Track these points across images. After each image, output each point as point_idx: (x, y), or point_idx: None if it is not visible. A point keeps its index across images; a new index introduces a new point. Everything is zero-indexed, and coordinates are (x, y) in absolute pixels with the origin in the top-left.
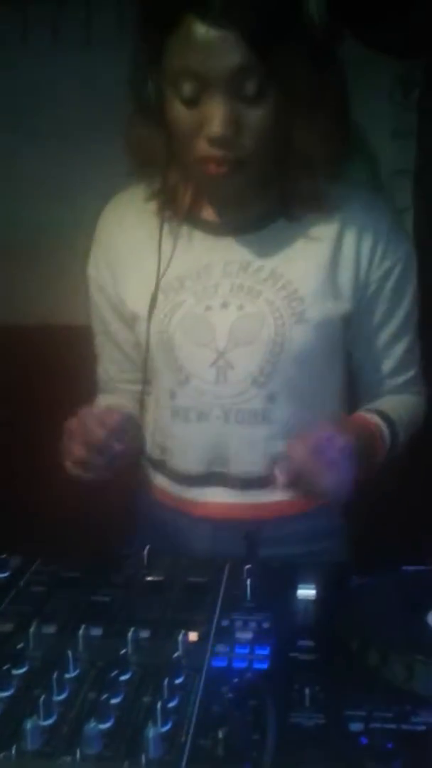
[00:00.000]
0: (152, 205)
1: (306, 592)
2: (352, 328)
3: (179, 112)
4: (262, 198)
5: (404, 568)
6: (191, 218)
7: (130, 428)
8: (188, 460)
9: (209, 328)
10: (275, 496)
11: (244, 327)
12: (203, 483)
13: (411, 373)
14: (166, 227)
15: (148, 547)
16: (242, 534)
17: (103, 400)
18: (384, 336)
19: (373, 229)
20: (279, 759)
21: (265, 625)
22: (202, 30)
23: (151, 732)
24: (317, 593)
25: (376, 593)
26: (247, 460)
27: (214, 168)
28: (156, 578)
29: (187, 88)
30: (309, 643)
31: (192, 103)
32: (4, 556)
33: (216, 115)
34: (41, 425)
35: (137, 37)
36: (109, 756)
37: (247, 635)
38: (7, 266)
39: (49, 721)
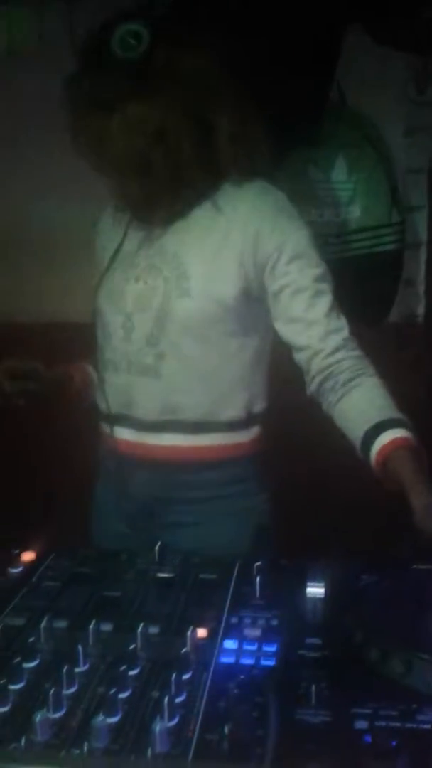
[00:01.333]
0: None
1: (315, 590)
2: (263, 304)
3: None
4: (174, 198)
5: (413, 566)
6: (137, 215)
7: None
8: (108, 403)
9: (122, 297)
10: (166, 441)
11: (143, 297)
12: (116, 422)
13: (343, 334)
14: (123, 226)
15: (159, 543)
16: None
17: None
18: (299, 304)
19: (257, 218)
20: (284, 755)
21: (274, 622)
22: None
23: (158, 726)
24: (326, 591)
25: (384, 592)
26: (144, 407)
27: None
28: (166, 575)
29: None
30: (316, 641)
31: None
32: (17, 551)
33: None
34: (53, 422)
35: None
36: (116, 749)
37: (256, 632)
38: (18, 263)
39: (59, 714)
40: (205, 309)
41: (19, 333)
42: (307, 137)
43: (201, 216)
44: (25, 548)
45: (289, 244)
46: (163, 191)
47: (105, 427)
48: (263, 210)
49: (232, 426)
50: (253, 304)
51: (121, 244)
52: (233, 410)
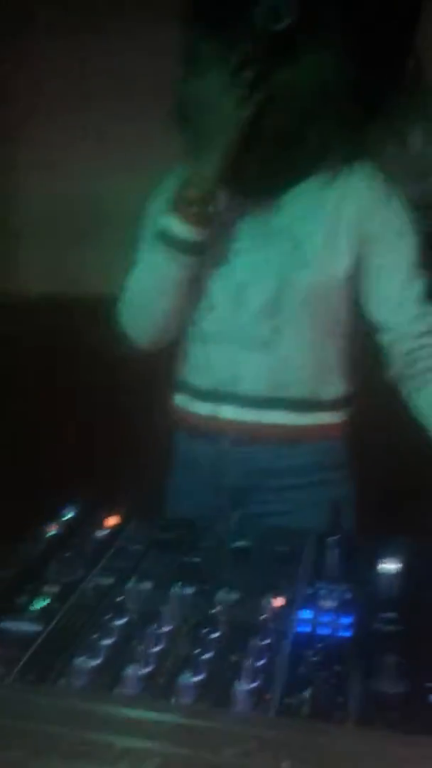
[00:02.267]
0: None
1: (390, 565)
2: (361, 279)
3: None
4: (290, 169)
5: None
6: (242, 187)
7: None
8: (205, 377)
9: (233, 266)
10: (275, 419)
11: (258, 268)
12: (215, 399)
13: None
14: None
15: (237, 514)
16: (254, 458)
17: None
18: (395, 284)
19: (368, 195)
20: (361, 725)
21: (349, 595)
22: None
23: (240, 688)
24: (401, 566)
25: None
26: (252, 382)
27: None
28: (244, 544)
29: None
30: (392, 614)
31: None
32: (103, 514)
33: None
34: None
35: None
36: (201, 707)
37: (331, 604)
38: (65, 238)
39: (147, 670)
40: (323, 281)
41: (79, 305)
42: (387, 109)
43: (313, 188)
44: (109, 513)
45: (396, 223)
46: (281, 162)
47: (193, 404)
48: (374, 187)
49: (333, 405)
50: (354, 279)
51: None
52: (335, 388)
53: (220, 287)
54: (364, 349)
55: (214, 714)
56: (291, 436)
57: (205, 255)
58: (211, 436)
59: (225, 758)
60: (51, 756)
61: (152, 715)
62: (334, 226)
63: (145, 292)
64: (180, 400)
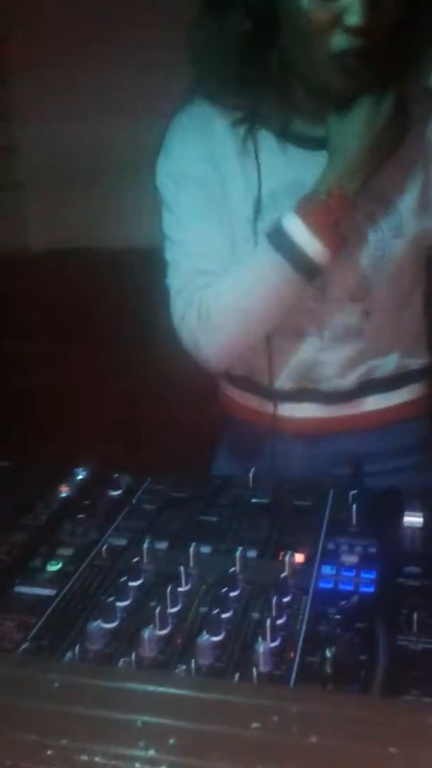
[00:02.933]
0: (229, 119)
1: (413, 519)
2: None
3: (313, 5)
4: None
5: None
6: (280, 131)
7: None
8: (280, 377)
9: None
10: (363, 408)
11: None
12: (293, 399)
13: None
14: (254, 140)
15: (253, 469)
16: (331, 452)
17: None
18: None
19: None
20: (386, 681)
21: (371, 550)
22: None
23: (261, 647)
24: (424, 520)
25: None
26: (337, 375)
27: (353, 60)
28: (261, 500)
29: None
30: (416, 569)
31: None
32: (116, 475)
33: (355, 5)
34: (144, 348)
35: None
36: (220, 667)
37: (353, 559)
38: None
39: (165, 631)
40: (417, 251)
41: (96, 258)
42: None
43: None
44: (123, 472)
45: None
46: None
47: (264, 404)
48: None
49: (421, 375)
50: None
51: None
52: (421, 357)
53: None
54: None
55: (237, 687)
56: (383, 420)
57: None
58: (292, 436)
59: (251, 732)
60: (67, 736)
61: (172, 691)
62: (428, 184)
63: (244, 309)
64: (242, 396)
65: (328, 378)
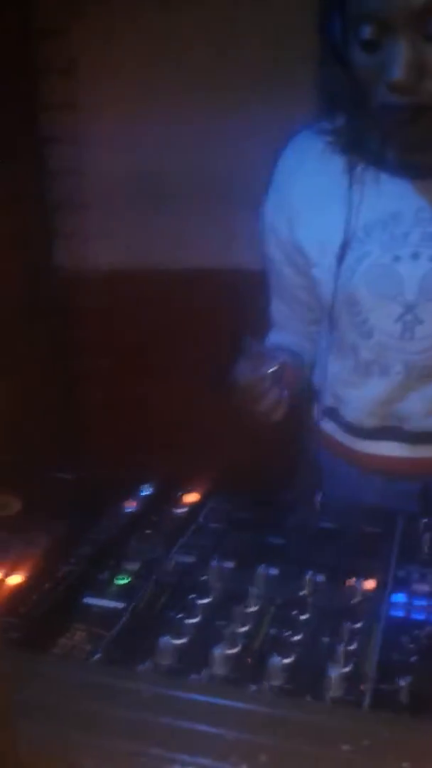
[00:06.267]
0: (335, 149)
1: None
2: None
3: (360, 57)
4: None
5: None
6: (378, 161)
7: (292, 369)
8: (364, 414)
9: (397, 281)
10: None
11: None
12: (377, 436)
13: None
14: (351, 173)
15: (320, 493)
16: (411, 489)
17: (275, 337)
18: None
19: None
20: None
21: None
22: None
23: (333, 671)
24: None
25: None
26: (424, 415)
27: (395, 115)
28: (330, 525)
29: (367, 32)
30: None
31: (372, 47)
32: (181, 493)
33: (396, 59)
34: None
35: None
36: (291, 689)
37: (425, 588)
38: (171, 211)
39: (235, 650)
40: None
41: (183, 280)
42: None
43: None
44: (188, 490)
45: None
46: None
47: (348, 439)
48: None
49: None
50: None
51: (358, 204)
52: None
53: (380, 310)
54: None
55: (327, 708)
56: None
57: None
58: (372, 471)
59: (342, 754)
60: (158, 745)
61: (259, 708)
62: None
63: None
64: (329, 427)
65: (413, 417)
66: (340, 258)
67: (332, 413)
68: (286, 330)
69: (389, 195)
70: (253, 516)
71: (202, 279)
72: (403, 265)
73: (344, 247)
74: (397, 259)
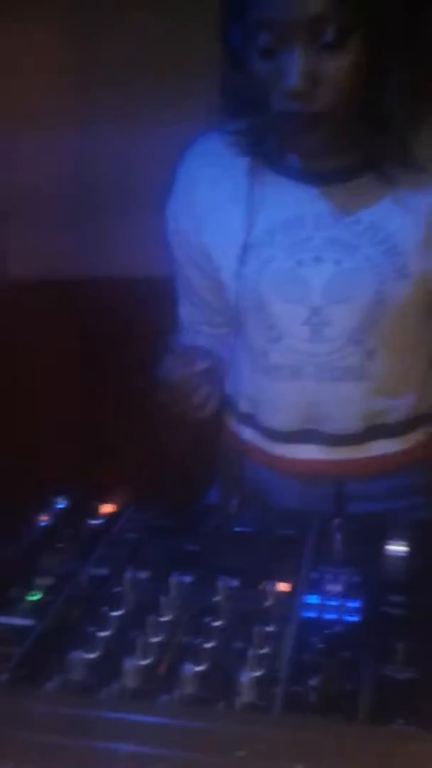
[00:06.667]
0: (237, 154)
1: (397, 548)
2: None
3: (258, 63)
4: (350, 150)
5: None
6: (279, 166)
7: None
8: (280, 417)
9: (302, 284)
10: (368, 452)
11: (342, 283)
12: (294, 440)
13: None
14: (253, 176)
15: (236, 498)
16: (330, 491)
17: (185, 341)
18: None
19: None
20: (371, 710)
21: (355, 579)
22: None
23: (245, 677)
24: (408, 548)
25: None
26: (340, 417)
27: (293, 122)
28: (244, 529)
29: (264, 39)
30: (400, 598)
31: (269, 54)
32: (96, 503)
33: (292, 68)
34: (130, 375)
35: None
36: (204, 697)
37: (337, 588)
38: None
39: (147, 661)
40: (422, 290)
41: (97, 288)
42: None
43: (394, 174)
44: (104, 500)
45: None
46: (361, 134)
47: (266, 443)
48: None
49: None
50: None
51: (258, 209)
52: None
53: (287, 313)
54: None
55: (222, 715)
56: (388, 464)
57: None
58: (291, 474)
59: (235, 761)
60: (45, 765)
61: (156, 720)
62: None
63: None
64: (246, 433)
65: (328, 419)
66: (243, 262)
67: (248, 418)
68: (196, 333)
69: (291, 199)
70: (170, 524)
71: (118, 287)
72: (307, 268)
73: (245, 251)
74: (300, 263)
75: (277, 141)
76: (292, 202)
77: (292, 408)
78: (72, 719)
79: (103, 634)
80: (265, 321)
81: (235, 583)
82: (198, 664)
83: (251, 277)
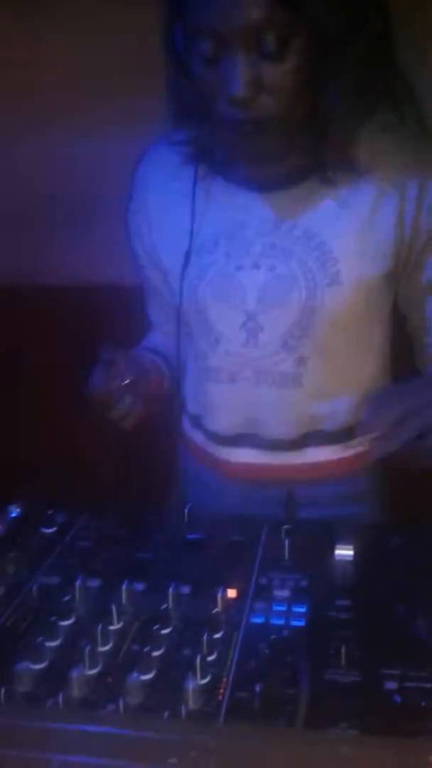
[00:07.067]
0: (186, 159)
1: (343, 552)
2: (402, 287)
3: (200, 70)
4: (294, 155)
5: None
6: (225, 173)
7: (157, 376)
8: (220, 421)
9: (239, 290)
10: (306, 458)
11: (275, 289)
12: (235, 443)
13: None
14: (200, 183)
15: (188, 505)
16: (274, 496)
17: (152, 337)
18: None
19: (414, 183)
20: (314, 714)
21: (303, 584)
22: None
23: (190, 684)
24: (355, 553)
25: (413, 553)
26: (278, 422)
27: (236, 129)
28: (196, 536)
29: (206, 47)
30: (346, 602)
31: (212, 62)
32: (50, 512)
33: (234, 75)
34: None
35: None
36: (150, 705)
37: (285, 593)
38: (51, 228)
39: (95, 671)
40: (357, 297)
41: (46, 296)
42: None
43: (336, 179)
44: (57, 509)
45: None
46: (297, 143)
47: (209, 445)
48: (423, 174)
49: None
50: (393, 285)
51: (203, 215)
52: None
53: (224, 317)
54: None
55: (155, 723)
56: (326, 471)
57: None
58: (235, 478)
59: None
60: None
61: (91, 729)
62: (370, 223)
63: None
64: (195, 435)
65: (267, 424)
66: (186, 266)
67: (196, 420)
68: (161, 331)
69: (236, 205)
70: (122, 532)
71: (78, 295)
72: (245, 274)
73: (189, 256)
74: (239, 268)
75: (222, 148)
76: (237, 208)
77: (231, 411)
78: (15, 731)
79: (51, 644)
80: (205, 324)
81: (186, 590)
82: (145, 673)
83: (193, 281)
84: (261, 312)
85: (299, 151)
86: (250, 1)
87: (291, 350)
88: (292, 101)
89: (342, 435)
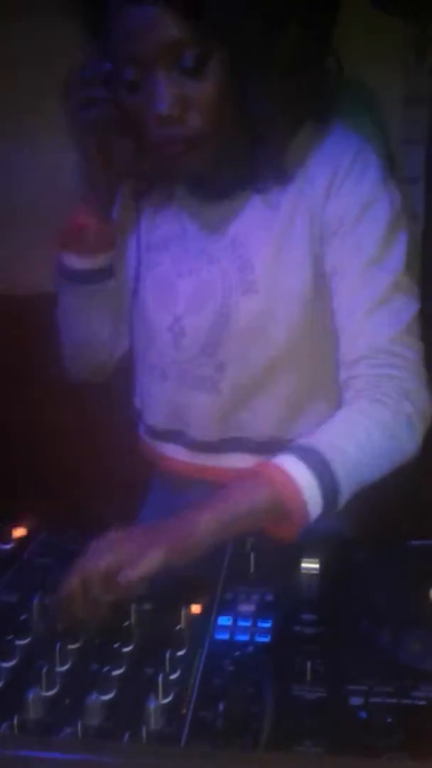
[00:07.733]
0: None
1: (309, 566)
2: (325, 297)
3: (126, 98)
4: (227, 169)
5: (408, 542)
6: (168, 188)
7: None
8: (155, 415)
9: (172, 293)
10: (229, 463)
11: (196, 295)
12: (165, 439)
13: (397, 359)
14: (149, 192)
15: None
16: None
17: None
18: (361, 304)
19: (325, 174)
20: (279, 731)
21: (268, 598)
22: (130, 8)
23: (152, 704)
24: (320, 567)
25: (379, 567)
26: (200, 424)
27: (167, 149)
28: None
29: (128, 73)
30: (311, 616)
31: (136, 86)
32: (7, 527)
33: (158, 95)
34: (46, 396)
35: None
36: (110, 727)
37: (250, 608)
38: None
39: (52, 692)
40: (275, 307)
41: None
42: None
43: (268, 188)
44: (16, 524)
45: (368, 213)
46: (230, 157)
47: (149, 439)
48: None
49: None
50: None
51: (148, 225)
52: (306, 426)
53: (158, 317)
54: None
55: (115, 747)
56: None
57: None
58: (166, 472)
59: None
60: None
61: (44, 755)
62: (289, 232)
63: (61, 320)
64: (140, 427)
65: (194, 424)
66: (135, 269)
67: (139, 414)
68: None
69: (180, 213)
70: (83, 548)
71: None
72: (178, 279)
73: (137, 260)
74: (178, 272)
75: (155, 170)
76: (181, 216)
77: (161, 407)
78: None
79: (7, 664)
80: (144, 323)
81: (148, 606)
82: (105, 693)
83: (139, 283)
84: (185, 316)
85: (233, 163)
86: (163, 21)
87: (210, 356)
88: (219, 116)
89: (262, 446)
